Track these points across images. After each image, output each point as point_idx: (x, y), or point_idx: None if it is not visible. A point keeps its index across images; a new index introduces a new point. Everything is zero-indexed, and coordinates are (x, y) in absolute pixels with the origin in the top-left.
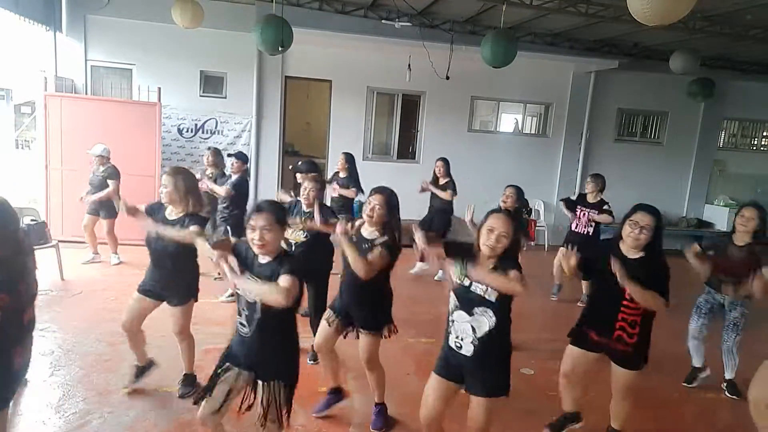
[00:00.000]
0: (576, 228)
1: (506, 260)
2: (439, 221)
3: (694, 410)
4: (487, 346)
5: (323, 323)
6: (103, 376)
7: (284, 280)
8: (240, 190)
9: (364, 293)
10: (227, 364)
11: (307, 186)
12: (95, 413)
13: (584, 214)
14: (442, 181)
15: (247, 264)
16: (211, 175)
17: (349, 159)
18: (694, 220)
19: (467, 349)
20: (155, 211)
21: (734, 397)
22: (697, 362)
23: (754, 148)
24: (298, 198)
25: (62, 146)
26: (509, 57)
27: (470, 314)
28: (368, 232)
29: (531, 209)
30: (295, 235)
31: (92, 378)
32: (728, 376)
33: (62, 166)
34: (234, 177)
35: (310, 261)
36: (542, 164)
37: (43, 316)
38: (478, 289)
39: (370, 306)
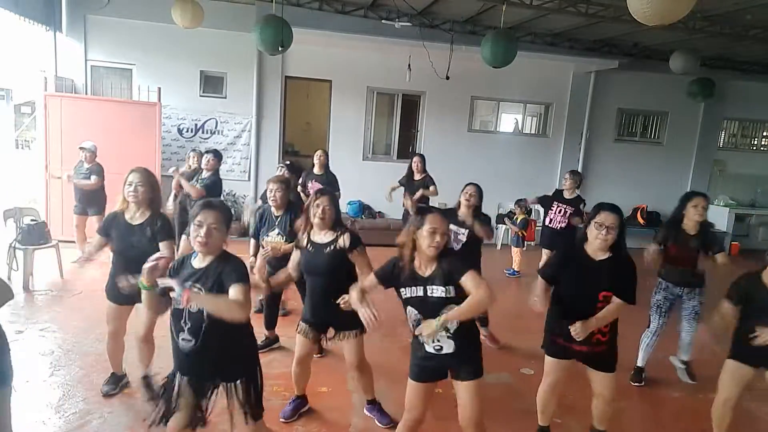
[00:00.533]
0: (550, 223)
1: (447, 258)
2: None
3: (694, 410)
4: (464, 333)
5: (299, 337)
6: (103, 376)
7: (237, 291)
8: (213, 191)
9: (336, 296)
10: (175, 377)
11: (272, 188)
12: (95, 413)
13: (560, 210)
14: (418, 177)
15: (185, 269)
16: (183, 174)
17: (327, 156)
18: None
19: (448, 346)
20: (110, 224)
21: (691, 381)
22: (642, 362)
23: (754, 148)
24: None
25: (62, 146)
26: (509, 57)
27: (435, 317)
28: (320, 235)
29: (531, 209)
30: (275, 240)
31: (92, 378)
32: (686, 357)
33: (62, 166)
34: (206, 174)
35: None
36: (542, 164)
37: (43, 316)
38: (435, 292)
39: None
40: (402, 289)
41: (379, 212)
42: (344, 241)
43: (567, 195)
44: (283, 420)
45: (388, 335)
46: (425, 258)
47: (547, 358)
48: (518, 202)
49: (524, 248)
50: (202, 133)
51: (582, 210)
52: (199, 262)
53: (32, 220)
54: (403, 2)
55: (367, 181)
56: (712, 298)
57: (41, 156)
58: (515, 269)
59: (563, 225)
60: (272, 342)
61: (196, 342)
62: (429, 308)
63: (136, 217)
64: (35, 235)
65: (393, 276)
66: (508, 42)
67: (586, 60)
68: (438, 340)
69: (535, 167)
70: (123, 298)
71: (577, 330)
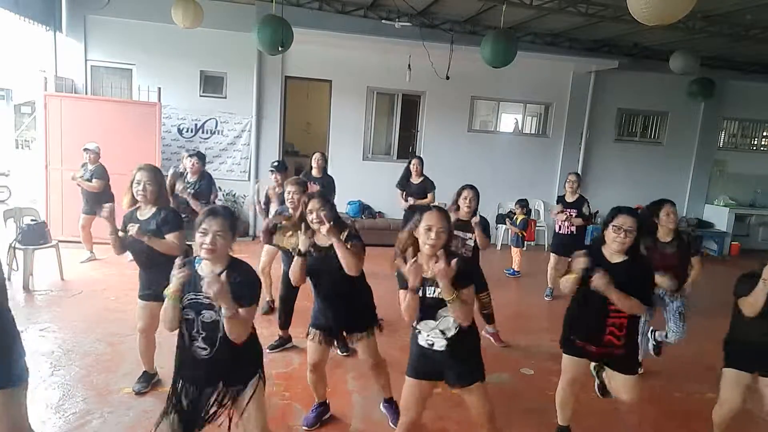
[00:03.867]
0: (559, 230)
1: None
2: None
3: (696, 410)
4: (460, 338)
5: (311, 344)
6: (103, 376)
7: (244, 313)
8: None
9: (349, 299)
10: (184, 385)
11: (290, 190)
12: (95, 413)
13: (565, 215)
14: (417, 180)
15: (194, 281)
16: (192, 184)
17: (326, 159)
18: (694, 220)
19: (440, 344)
20: (128, 221)
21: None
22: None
23: (754, 148)
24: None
25: (62, 146)
26: (509, 57)
27: (435, 319)
28: (324, 238)
29: (531, 209)
30: (295, 242)
31: (92, 378)
32: (660, 338)
33: (62, 166)
34: (199, 180)
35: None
36: (542, 164)
37: (43, 316)
38: (433, 293)
39: (359, 308)
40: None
41: (379, 212)
42: (343, 235)
43: (569, 198)
44: (306, 428)
45: (387, 334)
46: (425, 258)
47: (565, 356)
48: (518, 202)
49: (524, 248)
50: (202, 133)
51: (585, 211)
52: (207, 269)
53: (32, 220)
54: (403, 2)
55: (367, 182)
56: (695, 298)
57: (41, 156)
58: (515, 269)
59: (572, 229)
60: (285, 342)
61: (211, 350)
62: (426, 309)
63: (144, 213)
64: (35, 235)
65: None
66: (508, 42)
67: (586, 60)
68: (433, 338)
69: (535, 167)
70: (152, 296)
71: (599, 280)
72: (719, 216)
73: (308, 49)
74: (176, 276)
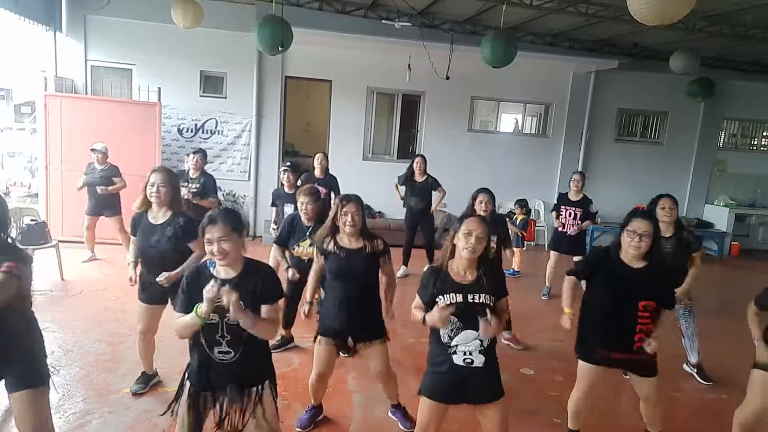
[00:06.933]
0: (563, 228)
1: (490, 272)
2: (424, 223)
3: (696, 409)
4: (491, 349)
5: (321, 349)
6: (103, 376)
7: (271, 311)
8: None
9: (367, 304)
10: (197, 390)
11: (303, 201)
12: (95, 413)
13: (570, 213)
14: (420, 178)
15: (206, 280)
16: (193, 180)
17: (328, 159)
18: (694, 220)
19: (479, 361)
20: (137, 223)
21: (706, 382)
22: None
23: (754, 148)
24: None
25: (62, 146)
26: (509, 57)
27: (476, 329)
28: (350, 241)
29: (530, 209)
30: (307, 250)
31: (92, 378)
32: (694, 360)
33: (62, 166)
34: (200, 177)
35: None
36: (542, 164)
37: (43, 316)
38: (478, 299)
39: (374, 316)
40: (440, 297)
41: (379, 212)
42: (379, 244)
43: (573, 197)
44: (299, 429)
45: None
46: (464, 263)
47: (582, 363)
48: (518, 202)
49: (524, 248)
50: (202, 133)
51: (591, 211)
52: (224, 272)
53: (32, 220)
54: (403, 2)
55: (367, 181)
56: (696, 295)
57: (41, 156)
58: (515, 269)
59: (575, 229)
60: (287, 342)
61: (236, 354)
62: (468, 316)
63: (158, 217)
64: (35, 235)
65: (433, 288)
66: (508, 42)
67: (586, 60)
68: (471, 353)
69: (535, 167)
70: (153, 299)
71: (651, 346)
72: (719, 216)
73: (308, 49)
74: (209, 299)
